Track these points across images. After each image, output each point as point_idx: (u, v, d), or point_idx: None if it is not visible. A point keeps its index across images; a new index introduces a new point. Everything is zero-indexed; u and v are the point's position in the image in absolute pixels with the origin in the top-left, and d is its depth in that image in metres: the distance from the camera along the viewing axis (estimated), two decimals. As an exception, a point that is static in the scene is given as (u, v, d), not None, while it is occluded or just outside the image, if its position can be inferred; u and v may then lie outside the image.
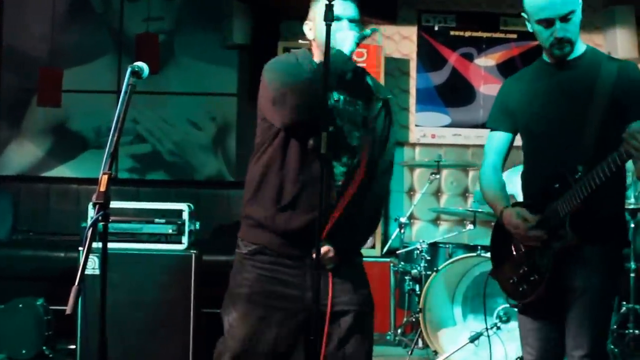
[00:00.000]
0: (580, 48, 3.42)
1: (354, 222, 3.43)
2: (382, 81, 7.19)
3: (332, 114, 3.33)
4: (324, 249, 3.34)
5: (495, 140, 3.63)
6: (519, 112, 3.52)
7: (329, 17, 3.01)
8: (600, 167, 3.06)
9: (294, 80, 3.27)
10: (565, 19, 3.28)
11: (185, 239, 5.36)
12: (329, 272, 3.37)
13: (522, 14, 3.44)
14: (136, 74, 3.12)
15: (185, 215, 5.40)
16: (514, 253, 3.48)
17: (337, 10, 3.27)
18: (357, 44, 3.33)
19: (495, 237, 3.63)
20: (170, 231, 5.42)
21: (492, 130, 3.67)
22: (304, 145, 3.32)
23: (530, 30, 3.43)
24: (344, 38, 3.32)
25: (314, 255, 3.15)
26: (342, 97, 3.40)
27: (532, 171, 3.54)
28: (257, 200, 3.43)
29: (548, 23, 3.30)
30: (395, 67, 7.80)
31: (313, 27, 3.49)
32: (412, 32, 7.86)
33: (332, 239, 3.37)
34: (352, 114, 3.40)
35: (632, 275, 6.25)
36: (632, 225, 6.29)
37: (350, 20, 3.39)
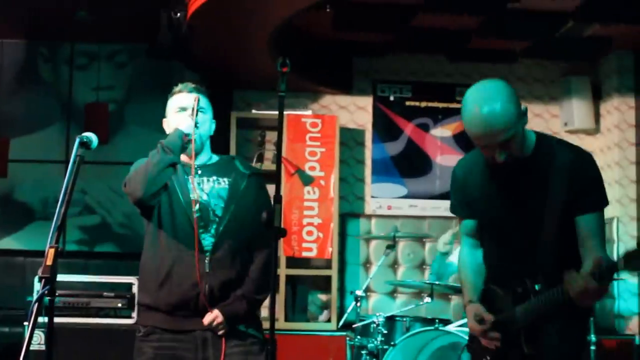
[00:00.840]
0: (530, 143, 3.30)
1: (235, 288, 3.65)
2: (336, 152, 7.27)
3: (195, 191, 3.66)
4: (211, 315, 3.58)
5: (466, 223, 3.62)
6: (475, 204, 3.49)
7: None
8: (555, 292, 3.11)
9: (138, 165, 3.67)
10: (504, 145, 3.13)
11: (134, 313, 5.31)
12: (221, 339, 3.59)
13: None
14: (84, 144, 3.15)
15: (135, 289, 5.36)
16: (487, 356, 3.50)
17: (182, 102, 3.75)
18: (196, 122, 3.67)
19: (472, 339, 3.62)
20: (119, 305, 5.38)
21: (458, 216, 3.67)
22: (171, 225, 3.62)
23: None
24: (178, 121, 3.69)
25: (204, 321, 3.56)
26: (205, 178, 3.72)
27: (495, 262, 3.52)
28: (142, 285, 3.74)
29: (487, 147, 3.18)
30: (351, 138, 7.87)
31: (167, 122, 3.85)
32: (367, 102, 7.95)
33: (219, 306, 3.60)
34: (218, 190, 3.69)
35: (593, 348, 6.29)
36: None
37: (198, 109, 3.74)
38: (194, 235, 3.56)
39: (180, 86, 3.82)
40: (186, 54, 7.24)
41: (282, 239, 3.11)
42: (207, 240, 3.61)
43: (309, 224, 7.19)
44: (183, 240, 3.58)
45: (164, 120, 3.86)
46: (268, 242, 3.65)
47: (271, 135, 7.57)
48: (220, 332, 3.58)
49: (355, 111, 7.93)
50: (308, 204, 7.21)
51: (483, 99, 3.12)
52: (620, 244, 7.44)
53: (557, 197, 3.22)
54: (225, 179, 3.73)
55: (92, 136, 3.19)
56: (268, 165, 7.41)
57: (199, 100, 3.70)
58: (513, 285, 3.33)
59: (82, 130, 3.26)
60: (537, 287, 3.24)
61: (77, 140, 3.15)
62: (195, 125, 3.64)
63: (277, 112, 3.15)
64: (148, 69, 7.94)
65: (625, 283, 7.38)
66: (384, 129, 7.93)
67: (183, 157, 3.69)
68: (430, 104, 7.96)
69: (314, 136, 7.30)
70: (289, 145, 7.22)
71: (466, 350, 3.75)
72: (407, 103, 7.96)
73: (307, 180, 7.22)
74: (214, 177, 3.72)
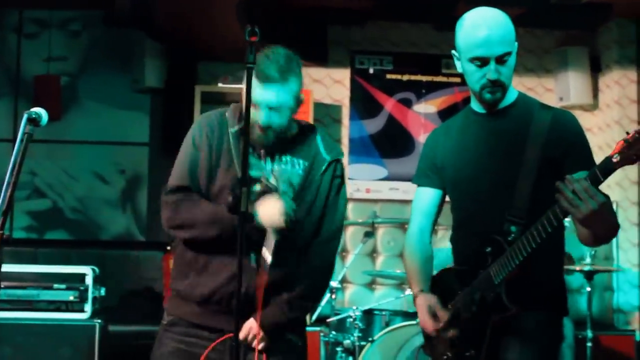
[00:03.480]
0: (511, 95, 3.48)
1: (288, 293, 3.46)
2: (311, 129, 7.26)
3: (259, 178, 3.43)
4: (248, 324, 3.42)
5: (423, 198, 3.67)
6: (446, 167, 3.56)
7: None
8: (535, 228, 3.08)
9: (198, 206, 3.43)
10: (501, 60, 3.32)
11: (88, 307, 5.32)
12: (263, 354, 3.43)
13: (453, 51, 3.48)
14: (33, 121, 3.13)
15: (89, 280, 5.36)
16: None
17: (258, 95, 3.39)
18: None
19: None
20: (71, 298, 5.38)
21: (418, 186, 3.71)
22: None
23: (460, 70, 3.46)
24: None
25: (240, 335, 3.33)
26: (283, 157, 3.50)
27: (461, 233, 3.56)
28: (177, 269, 3.58)
29: (482, 62, 3.33)
30: (326, 114, 7.89)
31: (245, 94, 3.40)
32: (344, 75, 7.97)
33: (259, 315, 3.39)
34: (290, 173, 3.48)
35: (589, 344, 6.35)
36: (588, 288, 6.42)
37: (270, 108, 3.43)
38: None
39: (266, 71, 3.41)
40: (147, 22, 7.22)
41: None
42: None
43: (280, 208, 7.17)
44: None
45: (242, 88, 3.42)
46: (334, 248, 3.65)
47: (239, 111, 7.56)
48: (261, 347, 3.42)
49: (331, 85, 7.94)
50: (279, 187, 7.20)
51: (484, 12, 3.39)
52: (620, 231, 7.48)
53: (534, 154, 3.31)
54: (301, 162, 3.52)
55: (41, 112, 3.17)
56: (236, 144, 7.40)
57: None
58: (482, 249, 3.33)
59: (31, 105, 3.25)
60: (510, 238, 3.24)
61: (25, 117, 3.13)
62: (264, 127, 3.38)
63: (244, 86, 3.14)
64: (105, 38, 7.91)
65: (625, 274, 7.44)
66: (363, 105, 7.95)
67: (255, 128, 3.39)
68: (413, 77, 7.99)
69: (286, 112, 7.29)
70: (258, 122, 7.20)
71: (422, 351, 3.77)
72: (388, 76, 7.98)
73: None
74: (288, 157, 3.51)
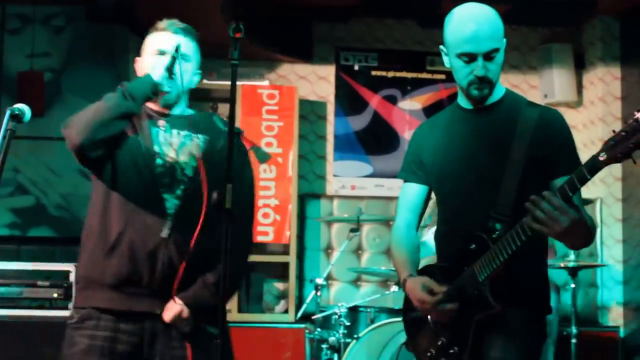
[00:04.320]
0: (499, 92, 3.47)
1: (201, 266, 3.34)
2: (295, 126, 7.28)
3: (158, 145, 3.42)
4: (175, 308, 3.28)
5: (409, 193, 3.66)
6: (432, 163, 3.55)
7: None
8: (519, 226, 3.08)
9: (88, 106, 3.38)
10: (488, 56, 3.32)
11: (72, 305, 5.29)
12: (186, 343, 3.29)
13: (440, 47, 3.47)
14: (16, 117, 3.11)
15: (73, 277, 5.34)
16: (430, 322, 3.47)
17: (163, 44, 3.51)
18: (170, 70, 3.42)
19: (408, 304, 3.59)
20: (55, 295, 5.36)
21: (404, 182, 3.70)
22: (127, 180, 3.35)
23: (447, 66, 3.46)
24: (153, 65, 3.44)
25: (165, 317, 3.25)
26: (176, 131, 3.47)
27: (446, 230, 3.55)
28: (85, 255, 3.39)
29: (470, 58, 3.33)
30: (311, 111, 7.88)
31: (140, 62, 3.61)
32: (329, 71, 7.97)
33: (184, 296, 3.29)
34: (190, 147, 3.45)
35: (574, 341, 6.37)
36: (572, 284, 6.43)
37: (181, 56, 3.50)
38: (156, 192, 3.33)
39: (164, 23, 3.58)
40: (130, 17, 7.19)
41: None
42: (170, 202, 3.34)
43: (265, 205, 7.19)
44: (140, 199, 3.32)
45: (136, 59, 3.63)
46: (249, 224, 3.59)
47: (224, 108, 7.55)
48: (186, 329, 3.29)
49: (316, 82, 7.94)
50: (264, 184, 7.21)
51: (473, 8, 3.41)
52: (604, 228, 7.53)
53: (520, 152, 3.30)
54: (200, 136, 3.49)
55: (24, 108, 3.16)
56: (220, 140, 7.39)
57: (177, 48, 3.46)
58: (466, 246, 3.33)
59: (14, 101, 3.22)
60: (495, 235, 3.23)
61: (8, 113, 3.11)
62: (171, 75, 3.41)
63: (230, 83, 3.14)
64: (88, 33, 7.86)
65: (609, 270, 7.47)
66: (348, 102, 7.95)
67: (152, 105, 3.47)
68: (399, 74, 7.99)
69: (270, 109, 7.31)
70: (243, 119, 7.21)
71: (405, 348, 3.76)
72: (373, 73, 7.98)
73: (263, 158, 7.03)
74: (186, 132, 3.48)
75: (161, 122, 3.47)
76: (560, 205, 2.90)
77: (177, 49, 3.45)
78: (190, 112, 3.60)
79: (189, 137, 3.47)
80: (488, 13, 3.37)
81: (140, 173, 3.35)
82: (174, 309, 3.27)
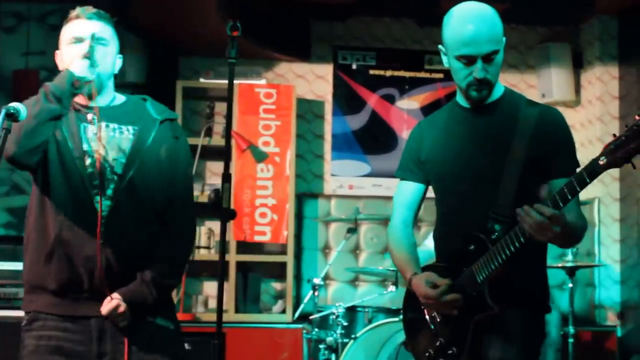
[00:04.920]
0: (498, 91, 3.46)
1: (140, 265, 3.36)
2: (293, 125, 7.25)
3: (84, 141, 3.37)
4: (111, 302, 3.28)
5: (405, 192, 3.65)
6: (430, 162, 3.55)
7: None
8: (514, 232, 3.09)
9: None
10: (488, 58, 3.30)
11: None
12: (124, 337, 3.31)
13: (439, 46, 3.45)
14: (11, 116, 3.08)
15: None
16: (429, 323, 3.48)
17: (79, 31, 3.43)
18: (89, 57, 3.35)
19: (408, 304, 3.62)
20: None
21: (401, 180, 3.69)
22: (59, 183, 3.31)
23: (446, 65, 3.44)
24: (71, 55, 3.40)
25: (102, 310, 3.26)
26: (107, 124, 3.40)
27: (445, 229, 3.55)
28: (26, 261, 3.41)
29: (469, 60, 3.31)
30: (308, 110, 7.87)
31: (60, 55, 3.54)
32: (327, 70, 7.95)
33: (121, 291, 3.31)
34: (119, 140, 3.40)
35: (571, 340, 6.37)
36: (570, 284, 6.43)
37: (97, 40, 3.42)
38: (88, 196, 3.30)
39: (77, 10, 3.49)
40: (126, 15, 7.16)
41: (231, 222, 3.10)
42: (103, 204, 3.30)
43: (262, 205, 7.17)
44: (74, 203, 3.30)
45: (56, 52, 3.57)
46: (187, 213, 3.52)
47: (221, 107, 7.54)
48: (122, 324, 3.31)
49: (314, 80, 7.92)
50: (261, 183, 7.19)
51: (472, 8, 3.37)
52: (601, 227, 7.52)
53: (520, 151, 3.30)
54: (130, 127, 3.44)
55: (19, 107, 3.13)
56: (217, 139, 7.37)
57: (93, 36, 3.38)
58: (465, 247, 3.33)
59: (9, 100, 3.21)
60: (494, 236, 3.23)
61: (3, 112, 3.08)
62: (92, 64, 3.34)
63: (227, 81, 3.13)
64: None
65: (606, 269, 7.46)
66: (346, 101, 7.93)
67: (78, 99, 3.41)
68: (397, 73, 7.97)
69: (268, 108, 7.28)
70: (240, 117, 7.19)
71: (404, 348, 3.75)
72: (371, 72, 7.96)
73: (261, 157, 7.21)
74: (115, 125, 3.42)
75: (89, 116, 3.41)
76: (552, 214, 2.91)
77: (92, 37, 3.38)
78: (121, 100, 3.55)
79: (118, 129, 3.42)
80: (487, 13, 3.35)
81: (69, 176, 3.32)
82: (109, 304, 3.28)
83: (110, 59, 3.47)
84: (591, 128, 7.69)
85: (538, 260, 3.46)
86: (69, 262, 3.28)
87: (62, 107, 3.26)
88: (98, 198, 3.30)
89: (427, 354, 3.46)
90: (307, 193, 7.76)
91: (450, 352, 3.36)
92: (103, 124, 3.39)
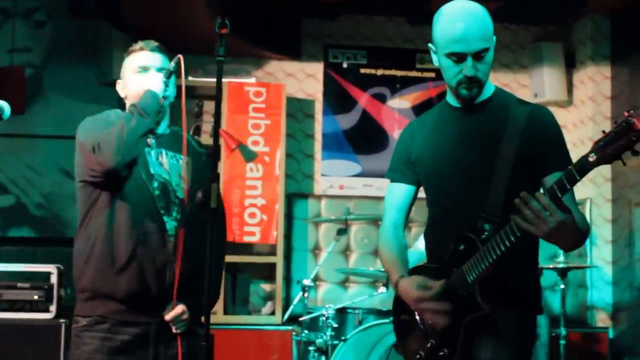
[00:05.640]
0: (488, 90, 3.46)
1: (197, 279, 3.58)
2: (283, 124, 7.24)
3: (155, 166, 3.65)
4: (177, 309, 3.59)
5: (396, 193, 3.65)
6: (421, 162, 3.55)
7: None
8: (506, 230, 3.07)
9: (109, 127, 3.55)
10: (478, 56, 3.30)
11: (53, 307, 5.26)
12: (176, 342, 3.60)
13: (429, 45, 3.45)
14: (-2, 114, 3.08)
15: (54, 279, 5.30)
16: (419, 324, 3.45)
17: (144, 61, 3.71)
18: (167, 83, 3.67)
19: (398, 306, 3.59)
20: (35, 297, 5.32)
21: (392, 181, 3.69)
22: (132, 201, 3.55)
23: (436, 64, 3.44)
24: (151, 80, 3.65)
25: (166, 317, 3.57)
26: (164, 151, 3.70)
27: (436, 229, 3.54)
28: (89, 270, 3.60)
29: (459, 58, 3.31)
30: (299, 109, 7.85)
31: (123, 84, 3.80)
32: (317, 69, 7.93)
33: (183, 299, 3.62)
34: (177, 167, 3.69)
35: (563, 342, 6.36)
36: (562, 285, 6.42)
37: (159, 70, 3.72)
38: (159, 215, 3.57)
39: (140, 43, 3.76)
40: (114, 12, 7.15)
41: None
42: (169, 224, 3.60)
43: (251, 205, 7.15)
44: (146, 220, 3.55)
45: (118, 82, 3.81)
46: (223, 231, 3.92)
47: (210, 106, 7.52)
48: (182, 329, 3.61)
49: (304, 79, 7.90)
50: (250, 183, 7.17)
51: (462, 5, 3.37)
52: (593, 228, 7.52)
53: (510, 150, 3.29)
54: (179, 156, 3.73)
55: (4, 105, 3.14)
56: (206, 139, 7.32)
57: (178, 61, 3.66)
58: (455, 247, 3.31)
59: (-6, 98, 3.18)
60: (484, 236, 3.22)
61: (-9, 110, 3.09)
62: (166, 86, 3.65)
63: (215, 80, 3.11)
64: (70, 29, 7.81)
65: (598, 271, 7.47)
66: (336, 100, 7.91)
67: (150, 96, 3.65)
68: (388, 72, 7.96)
69: (257, 107, 7.26)
70: (229, 116, 7.17)
71: (394, 350, 3.74)
72: (362, 71, 7.95)
73: (250, 156, 7.18)
74: (172, 152, 3.73)
75: (149, 141, 3.65)
76: (549, 205, 2.89)
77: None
78: (165, 129, 3.80)
79: (175, 157, 3.71)
80: (477, 11, 3.34)
81: (142, 195, 3.56)
82: (176, 310, 3.59)
83: (171, 89, 3.72)
84: (583, 128, 7.69)
85: (530, 261, 3.45)
86: (141, 275, 3.53)
87: (152, 122, 3.55)
88: (167, 218, 3.60)
89: (417, 356, 3.45)
90: (297, 193, 7.74)
91: (441, 353, 3.34)
92: (163, 150, 3.70)
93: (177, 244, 3.58)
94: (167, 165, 3.66)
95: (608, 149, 2.76)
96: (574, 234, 3.09)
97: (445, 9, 3.39)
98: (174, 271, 3.55)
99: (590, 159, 2.80)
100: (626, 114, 2.72)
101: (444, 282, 3.29)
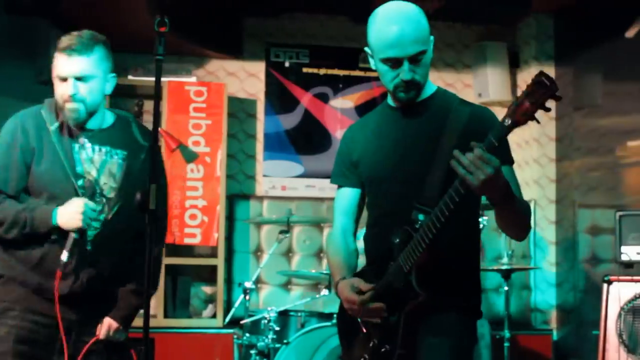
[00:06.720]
0: (429, 90, 3.47)
1: (117, 283, 3.70)
2: (224, 124, 7.22)
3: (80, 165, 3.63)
4: (105, 324, 3.68)
5: (342, 198, 3.66)
6: (362, 164, 3.56)
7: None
8: (439, 207, 3.06)
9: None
10: (414, 59, 3.28)
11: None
12: (131, 351, 3.69)
13: (366, 48, 3.45)
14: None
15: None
16: (362, 327, 3.48)
17: (61, 70, 3.61)
18: (74, 100, 3.60)
19: (342, 312, 3.60)
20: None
21: (338, 186, 3.70)
22: (56, 200, 3.55)
23: (373, 68, 3.45)
24: (59, 95, 3.64)
25: (99, 335, 3.65)
26: (97, 147, 3.66)
27: (375, 232, 3.54)
28: (8, 259, 3.64)
29: (395, 63, 3.31)
30: (240, 109, 7.84)
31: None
32: (259, 68, 7.93)
33: (111, 314, 3.70)
34: (110, 163, 3.66)
35: (507, 344, 6.42)
36: (506, 287, 6.49)
37: (78, 79, 3.63)
38: None
39: (63, 42, 3.64)
40: (52, 10, 7.09)
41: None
42: (92, 224, 3.58)
43: (192, 206, 7.14)
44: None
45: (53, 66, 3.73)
46: (163, 229, 3.90)
47: (150, 105, 7.48)
48: (122, 339, 3.69)
49: (246, 78, 7.90)
50: (191, 184, 7.16)
51: (396, 8, 3.36)
52: (537, 230, 7.61)
53: (448, 146, 3.25)
54: (119, 152, 3.69)
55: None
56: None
57: (75, 77, 3.60)
58: (391, 242, 3.33)
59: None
60: (417, 225, 3.21)
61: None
62: (78, 100, 3.60)
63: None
64: (6, 27, 7.71)
65: (542, 273, 7.55)
66: (278, 99, 7.92)
67: (64, 104, 3.63)
68: (330, 71, 7.99)
69: (198, 106, 7.25)
70: (169, 116, 7.15)
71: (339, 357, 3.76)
72: (305, 70, 7.97)
73: (191, 157, 7.17)
74: (107, 148, 3.68)
75: (81, 139, 3.64)
76: (483, 154, 2.87)
77: (74, 77, 3.61)
78: (110, 120, 3.77)
79: (109, 153, 3.67)
80: (412, 13, 3.32)
81: (67, 194, 3.56)
82: (104, 326, 3.67)
83: (97, 89, 3.65)
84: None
85: (471, 263, 3.48)
86: (52, 274, 3.51)
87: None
88: None
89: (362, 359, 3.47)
90: (238, 194, 7.74)
91: (383, 350, 3.36)
92: (96, 147, 3.64)
93: (97, 244, 3.60)
94: (98, 163, 3.64)
95: (520, 110, 2.79)
96: (506, 188, 3.04)
97: (379, 11, 3.38)
98: (88, 276, 3.59)
99: (506, 124, 2.83)
100: (538, 75, 2.75)
101: (374, 287, 3.31)
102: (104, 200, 3.62)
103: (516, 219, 3.21)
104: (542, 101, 2.74)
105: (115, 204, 3.64)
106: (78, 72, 3.59)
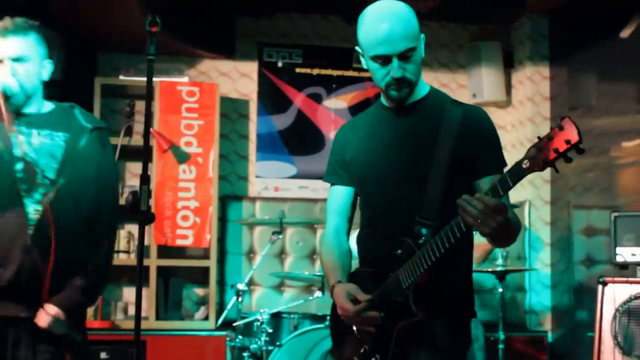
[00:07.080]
0: (422, 90, 3.48)
1: (67, 273, 3.55)
2: (216, 125, 7.21)
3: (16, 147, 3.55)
4: (48, 311, 3.49)
5: (336, 197, 3.67)
6: (354, 164, 3.57)
7: None
8: (444, 232, 3.08)
9: None
10: (404, 56, 3.30)
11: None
12: (66, 353, 3.52)
13: (356, 47, 3.47)
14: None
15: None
16: (354, 330, 3.47)
17: None
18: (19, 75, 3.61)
19: (335, 310, 3.58)
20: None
21: (331, 185, 3.71)
22: None
23: (365, 67, 3.46)
24: None
25: (40, 323, 3.47)
26: (35, 131, 3.61)
27: (369, 232, 3.55)
28: None
29: (384, 60, 3.32)
30: (233, 109, 7.84)
31: None
32: (252, 68, 7.93)
33: (55, 299, 3.52)
34: (50, 147, 3.59)
35: (501, 346, 6.42)
36: (500, 289, 6.48)
37: (16, 60, 3.64)
38: (18, 198, 3.48)
39: (7, 18, 3.71)
40: (41, 9, 7.06)
41: (152, 225, 3.09)
42: (31, 207, 3.51)
43: (184, 207, 7.12)
44: (5, 203, 3.49)
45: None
46: (112, 221, 3.78)
47: (141, 105, 7.47)
48: (62, 332, 3.52)
49: (239, 78, 7.89)
50: (183, 185, 7.14)
51: (385, 6, 3.37)
52: (532, 231, 7.61)
53: (445, 152, 3.30)
54: (61, 134, 3.65)
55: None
56: (138, 139, 7.28)
57: (10, 58, 3.60)
58: (392, 251, 3.32)
59: None
60: (421, 241, 3.23)
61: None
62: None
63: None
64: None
65: (537, 274, 7.54)
66: (271, 100, 7.91)
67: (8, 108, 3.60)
68: (324, 72, 7.99)
69: (190, 107, 7.24)
70: (161, 116, 7.13)
71: (330, 356, 3.75)
72: (298, 70, 7.96)
73: (183, 158, 7.15)
74: (47, 131, 3.64)
75: (18, 123, 3.60)
76: (497, 204, 2.86)
77: (10, 58, 3.61)
78: (49, 107, 3.75)
79: (49, 136, 3.62)
80: (400, 11, 3.35)
81: (3, 177, 3.50)
82: (47, 313, 3.49)
83: (33, 72, 3.65)
84: (522, 129, 7.77)
85: (464, 268, 3.48)
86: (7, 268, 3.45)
87: None
88: (26, 201, 3.49)
89: None
90: (231, 195, 7.73)
91: (373, 359, 3.36)
92: (34, 131, 3.59)
93: (40, 226, 3.49)
94: (37, 145, 3.57)
95: (541, 156, 2.77)
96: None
97: (368, 10, 3.40)
98: (33, 262, 3.47)
99: (524, 166, 2.82)
100: (561, 120, 2.71)
101: (370, 299, 3.30)
102: (47, 182, 3.54)
103: (508, 237, 3.21)
104: (565, 152, 2.73)
105: (58, 183, 3.55)
106: (14, 53, 3.60)
